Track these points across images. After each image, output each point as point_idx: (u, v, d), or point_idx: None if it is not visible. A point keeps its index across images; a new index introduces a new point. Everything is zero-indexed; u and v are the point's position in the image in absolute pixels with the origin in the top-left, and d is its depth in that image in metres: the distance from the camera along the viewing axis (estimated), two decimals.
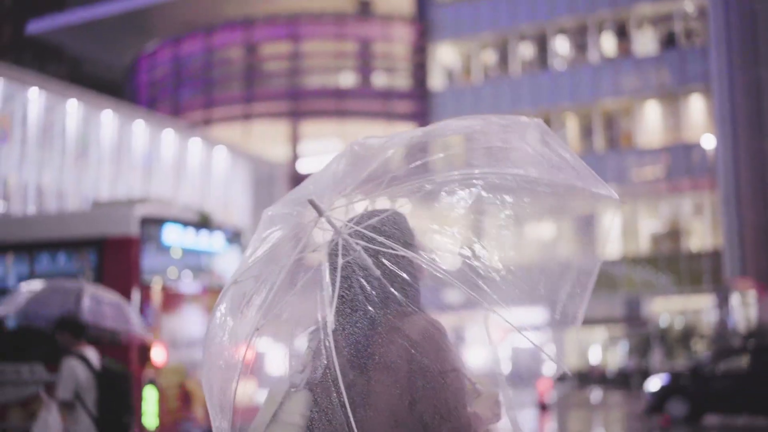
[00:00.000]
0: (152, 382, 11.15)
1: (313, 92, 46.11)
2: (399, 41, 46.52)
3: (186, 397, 11.75)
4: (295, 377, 2.87)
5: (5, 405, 11.27)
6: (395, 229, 2.81)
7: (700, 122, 39.66)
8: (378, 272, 2.76)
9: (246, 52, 47.31)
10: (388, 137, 2.89)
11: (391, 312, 2.79)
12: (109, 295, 9.59)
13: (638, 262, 39.73)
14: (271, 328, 3.01)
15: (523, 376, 3.14)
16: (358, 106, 45.00)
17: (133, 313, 9.72)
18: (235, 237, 13.42)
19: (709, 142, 36.14)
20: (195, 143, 35.65)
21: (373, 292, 2.75)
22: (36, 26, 50.55)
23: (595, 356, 39.95)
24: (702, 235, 39.82)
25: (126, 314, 9.51)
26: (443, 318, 2.95)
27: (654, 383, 22.11)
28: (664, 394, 21.16)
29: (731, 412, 20.73)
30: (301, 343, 2.92)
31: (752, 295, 34.88)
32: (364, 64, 47.07)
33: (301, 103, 45.86)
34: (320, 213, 2.75)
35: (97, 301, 9.43)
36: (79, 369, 7.82)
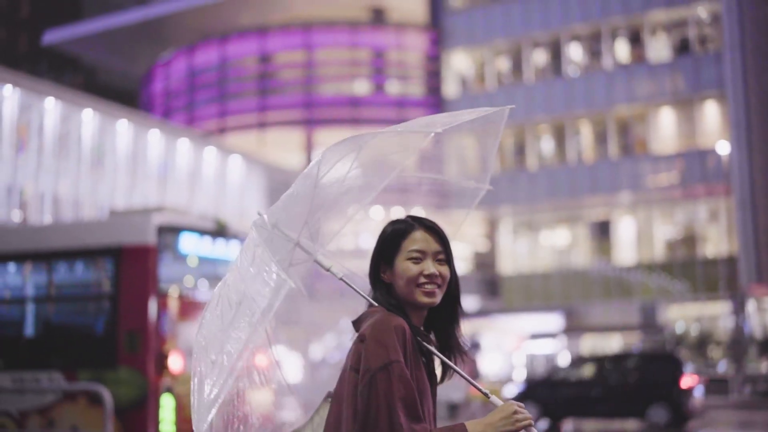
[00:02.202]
0: (169, 389, 11.20)
1: (328, 100, 46.21)
2: (413, 49, 46.59)
3: None
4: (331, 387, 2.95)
5: (24, 412, 11.34)
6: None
7: (714, 128, 39.55)
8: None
9: (260, 60, 47.46)
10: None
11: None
12: None
13: (653, 268, 39.61)
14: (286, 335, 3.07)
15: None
16: (372, 114, 45.06)
17: None
18: None
19: (723, 148, 36.05)
20: (210, 152, 35.78)
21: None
22: (52, 36, 50.84)
23: None
24: (717, 241, 39.68)
25: None
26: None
27: (510, 390, 23.01)
28: (519, 400, 21.31)
29: (579, 416, 21.90)
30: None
31: None
32: (378, 72, 47.15)
33: (315, 112, 45.97)
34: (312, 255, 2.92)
35: None
36: None
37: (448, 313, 3.02)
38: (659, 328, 38.16)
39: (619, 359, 23.48)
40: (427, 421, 2.76)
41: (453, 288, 3.00)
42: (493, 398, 2.87)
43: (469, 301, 41.85)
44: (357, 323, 2.92)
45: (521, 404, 2.80)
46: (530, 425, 2.76)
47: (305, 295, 3.38)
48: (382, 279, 2.95)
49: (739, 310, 34.00)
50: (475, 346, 39.31)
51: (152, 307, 11.20)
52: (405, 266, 2.89)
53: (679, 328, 38.79)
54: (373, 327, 2.77)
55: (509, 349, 42.27)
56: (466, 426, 2.73)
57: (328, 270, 3.02)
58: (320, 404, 3.06)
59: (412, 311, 2.92)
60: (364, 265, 3.03)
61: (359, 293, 2.97)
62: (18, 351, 12.02)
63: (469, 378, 3.01)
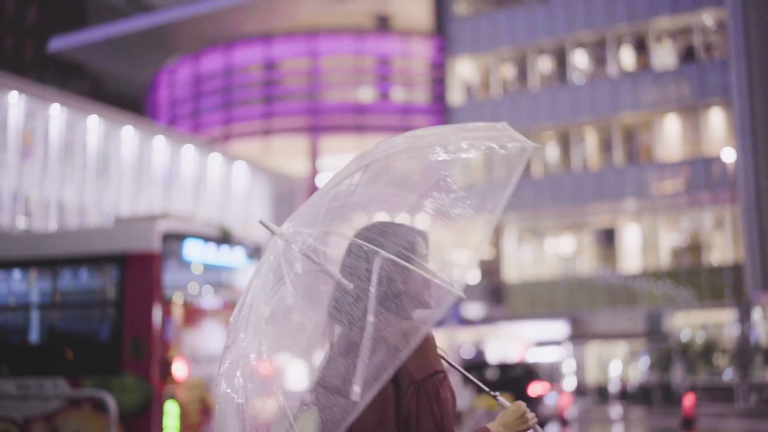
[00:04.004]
0: (173, 397, 11.20)
1: (332, 107, 46.24)
2: (417, 56, 46.62)
3: (207, 412, 11.79)
4: (306, 395, 2.90)
5: (29, 419, 11.34)
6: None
7: (720, 135, 39.51)
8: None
9: (265, 67, 47.51)
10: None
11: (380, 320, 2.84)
12: None
13: (659, 276, 39.56)
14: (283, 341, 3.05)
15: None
16: (377, 121, 45.07)
17: None
18: (255, 252, 13.46)
19: (729, 155, 36.01)
20: (215, 159, 35.82)
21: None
22: (58, 44, 50.96)
23: (615, 371, 39.75)
24: (723, 248, 39.62)
25: None
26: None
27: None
28: None
29: None
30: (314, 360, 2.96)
31: None
32: (383, 79, 47.18)
33: (320, 119, 46.00)
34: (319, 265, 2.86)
35: None
36: None
37: None
38: (665, 335, 38.08)
39: (476, 367, 23.79)
40: None
41: None
42: (501, 399, 2.93)
43: (473, 309, 41.82)
44: None
45: (523, 403, 2.85)
46: (536, 423, 2.84)
47: (310, 303, 3.36)
48: None
49: (744, 317, 33.91)
50: (480, 353, 39.27)
51: (157, 313, 11.21)
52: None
53: (684, 336, 38.71)
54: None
55: (514, 356, 42.21)
56: (489, 428, 2.79)
57: (339, 282, 2.99)
58: (297, 413, 2.98)
59: None
60: None
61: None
62: (23, 357, 12.04)
63: (478, 381, 3.02)
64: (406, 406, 2.69)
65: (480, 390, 3.01)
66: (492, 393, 2.91)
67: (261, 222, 2.98)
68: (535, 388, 21.00)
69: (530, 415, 2.82)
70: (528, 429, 2.80)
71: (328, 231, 2.93)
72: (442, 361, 2.84)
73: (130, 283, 11.37)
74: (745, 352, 33.04)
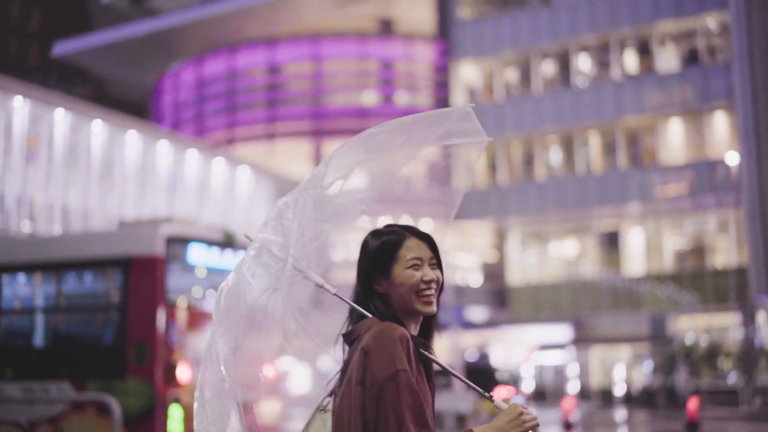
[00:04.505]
0: (177, 400, 11.21)
1: (336, 111, 46.29)
2: (421, 60, 46.66)
3: None
4: (325, 400, 2.95)
5: (34, 422, 11.36)
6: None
7: (723, 139, 39.49)
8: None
9: (269, 71, 47.58)
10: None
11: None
12: None
13: (663, 279, 39.54)
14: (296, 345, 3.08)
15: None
16: None
17: None
18: None
19: (733, 158, 36.00)
20: (218, 163, 35.85)
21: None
22: (62, 48, 51.06)
23: (619, 375, 39.73)
24: (727, 252, 39.59)
25: None
26: None
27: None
28: None
29: None
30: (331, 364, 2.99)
31: None
32: (387, 82, 47.23)
33: (323, 123, 46.05)
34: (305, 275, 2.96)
35: None
36: None
37: (428, 320, 3.01)
38: (668, 339, 38.03)
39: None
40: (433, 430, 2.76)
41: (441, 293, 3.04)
42: (497, 401, 2.87)
43: (477, 312, 41.82)
44: (348, 336, 2.93)
45: (526, 406, 2.79)
46: (536, 426, 2.77)
47: (314, 307, 3.40)
48: (376, 290, 2.94)
49: (748, 321, 33.88)
50: (484, 357, 39.26)
51: (161, 317, 11.23)
52: (407, 274, 2.89)
53: (688, 340, 38.67)
54: (375, 339, 2.77)
55: (518, 360, 42.20)
56: (473, 431, 2.73)
57: (320, 286, 3.03)
58: (312, 416, 3.05)
59: (409, 320, 2.91)
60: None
61: (354, 306, 2.98)
62: (27, 361, 12.06)
63: (472, 384, 3.00)
64: (368, 407, 2.70)
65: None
66: (487, 395, 2.90)
67: (294, 265, 3.05)
68: (500, 393, 20.94)
69: (528, 417, 2.76)
70: (525, 431, 2.74)
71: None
72: (417, 362, 2.83)
73: (134, 286, 11.39)
74: (749, 356, 33.00)
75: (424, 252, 2.93)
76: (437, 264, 2.96)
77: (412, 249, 2.92)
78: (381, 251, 2.94)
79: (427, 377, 2.91)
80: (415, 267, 2.90)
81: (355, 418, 2.73)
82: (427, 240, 2.97)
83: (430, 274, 2.90)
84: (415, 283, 2.88)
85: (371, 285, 2.95)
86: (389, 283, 2.91)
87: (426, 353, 2.89)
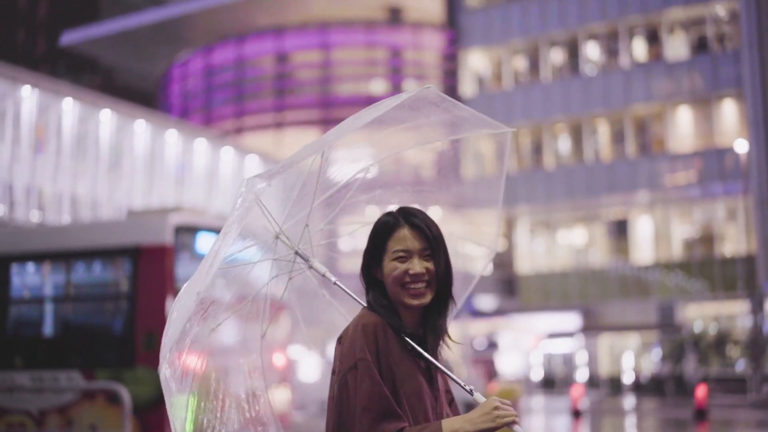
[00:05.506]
0: None
1: (344, 100, 46.26)
2: (429, 48, 46.58)
3: None
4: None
5: (43, 411, 11.41)
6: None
7: (732, 127, 39.36)
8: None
9: (277, 60, 47.55)
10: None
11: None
12: None
13: (671, 267, 39.48)
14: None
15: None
16: None
17: None
18: None
19: (741, 146, 35.87)
20: (227, 152, 35.88)
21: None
22: (70, 38, 51.09)
23: (628, 363, 39.71)
24: (735, 240, 39.51)
25: None
26: None
27: None
28: None
29: None
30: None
31: None
32: (395, 71, 47.17)
33: (332, 111, 46.02)
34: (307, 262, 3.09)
35: None
36: None
37: (437, 307, 2.95)
38: (677, 327, 38.01)
39: None
40: (411, 419, 2.74)
41: (443, 282, 2.93)
42: (477, 395, 2.85)
43: (486, 301, 41.80)
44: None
45: (507, 401, 2.75)
46: (514, 422, 2.72)
47: (324, 296, 3.44)
48: (376, 277, 2.94)
49: (757, 309, 33.80)
50: (493, 345, 39.30)
51: (170, 306, 11.24)
52: (391, 266, 2.87)
53: (697, 327, 38.63)
54: (346, 329, 2.82)
55: (527, 348, 42.22)
56: (442, 424, 2.72)
57: (323, 275, 3.06)
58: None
59: (404, 310, 2.89)
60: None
61: (352, 296, 2.99)
62: (37, 350, 12.09)
63: (452, 375, 2.97)
64: (336, 396, 2.76)
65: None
66: (467, 388, 2.88)
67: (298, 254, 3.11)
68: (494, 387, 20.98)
69: (503, 412, 2.70)
70: (496, 427, 2.70)
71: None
72: (404, 353, 2.82)
73: (143, 276, 11.41)
74: (757, 344, 32.95)
75: (415, 243, 2.87)
76: (432, 254, 2.89)
77: (399, 241, 2.87)
78: (372, 242, 2.94)
79: (427, 367, 2.90)
80: (401, 259, 2.85)
81: (331, 406, 2.80)
82: (421, 230, 2.90)
83: (417, 266, 2.85)
84: (398, 276, 2.85)
85: (371, 273, 2.95)
86: (382, 272, 2.91)
87: (411, 342, 2.84)
